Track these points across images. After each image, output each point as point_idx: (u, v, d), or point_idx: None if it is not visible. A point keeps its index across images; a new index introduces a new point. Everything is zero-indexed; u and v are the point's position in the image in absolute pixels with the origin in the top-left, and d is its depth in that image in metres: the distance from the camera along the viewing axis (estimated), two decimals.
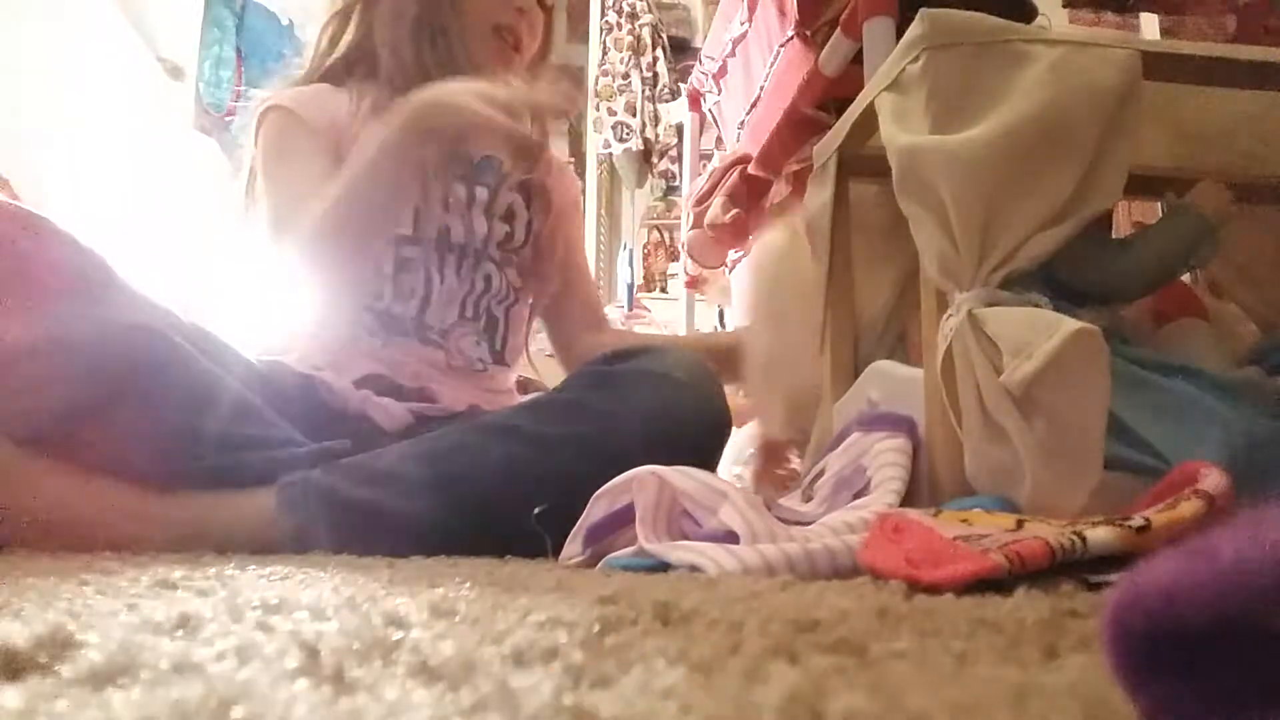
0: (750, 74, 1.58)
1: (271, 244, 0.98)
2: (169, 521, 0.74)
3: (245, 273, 1.18)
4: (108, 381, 0.73)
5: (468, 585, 0.47)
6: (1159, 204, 0.91)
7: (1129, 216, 1.62)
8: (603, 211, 3.50)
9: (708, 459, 0.79)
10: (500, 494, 0.77)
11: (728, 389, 0.92)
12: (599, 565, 0.64)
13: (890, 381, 0.79)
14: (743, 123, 1.61)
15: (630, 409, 0.80)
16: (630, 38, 3.15)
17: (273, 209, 0.99)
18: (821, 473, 0.75)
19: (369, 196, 0.93)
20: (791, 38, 1.32)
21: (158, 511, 0.75)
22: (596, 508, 0.67)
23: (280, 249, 0.96)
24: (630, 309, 2.80)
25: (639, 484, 0.64)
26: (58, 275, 0.73)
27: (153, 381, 0.75)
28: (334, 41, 1.09)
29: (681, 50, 3.29)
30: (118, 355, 0.73)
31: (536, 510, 0.72)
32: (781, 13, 1.37)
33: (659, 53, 3.20)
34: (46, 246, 0.74)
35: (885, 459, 0.68)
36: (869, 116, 0.78)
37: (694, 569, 0.54)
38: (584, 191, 3.47)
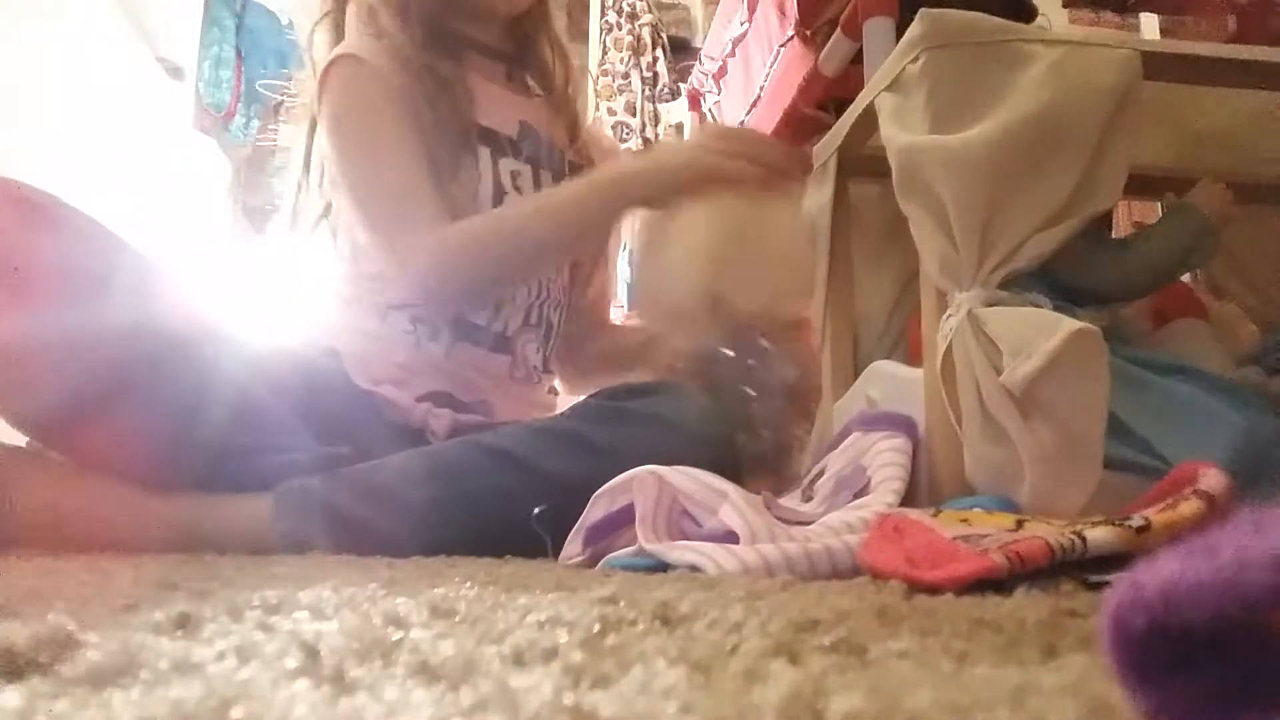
0: (750, 74, 1.58)
1: (383, 241, 0.93)
2: (166, 523, 0.74)
3: (286, 260, 1.14)
4: (104, 382, 0.72)
5: (468, 585, 0.47)
6: (1159, 204, 0.91)
7: (1129, 216, 1.62)
8: None
9: None
10: (493, 520, 0.76)
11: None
12: (599, 565, 0.64)
13: (890, 381, 0.79)
14: (743, 123, 1.61)
15: (633, 451, 0.78)
16: (630, 38, 3.15)
17: (378, 197, 0.94)
18: (821, 473, 0.75)
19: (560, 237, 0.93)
20: (791, 38, 1.32)
21: (155, 513, 0.75)
22: (596, 508, 0.67)
23: (401, 253, 0.92)
24: (630, 309, 2.80)
25: (639, 484, 0.64)
26: (56, 270, 0.71)
27: (151, 383, 0.74)
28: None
29: (681, 50, 3.29)
30: (115, 357, 0.73)
31: (536, 510, 0.72)
32: (781, 13, 1.37)
33: (659, 53, 3.20)
34: (46, 238, 0.72)
35: (885, 459, 0.68)
36: (869, 116, 0.78)
37: (694, 569, 0.54)
38: None
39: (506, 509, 0.76)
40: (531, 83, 1.13)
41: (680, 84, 2.84)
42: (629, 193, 0.91)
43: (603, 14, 3.20)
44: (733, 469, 0.88)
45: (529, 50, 1.12)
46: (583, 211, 0.93)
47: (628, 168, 0.94)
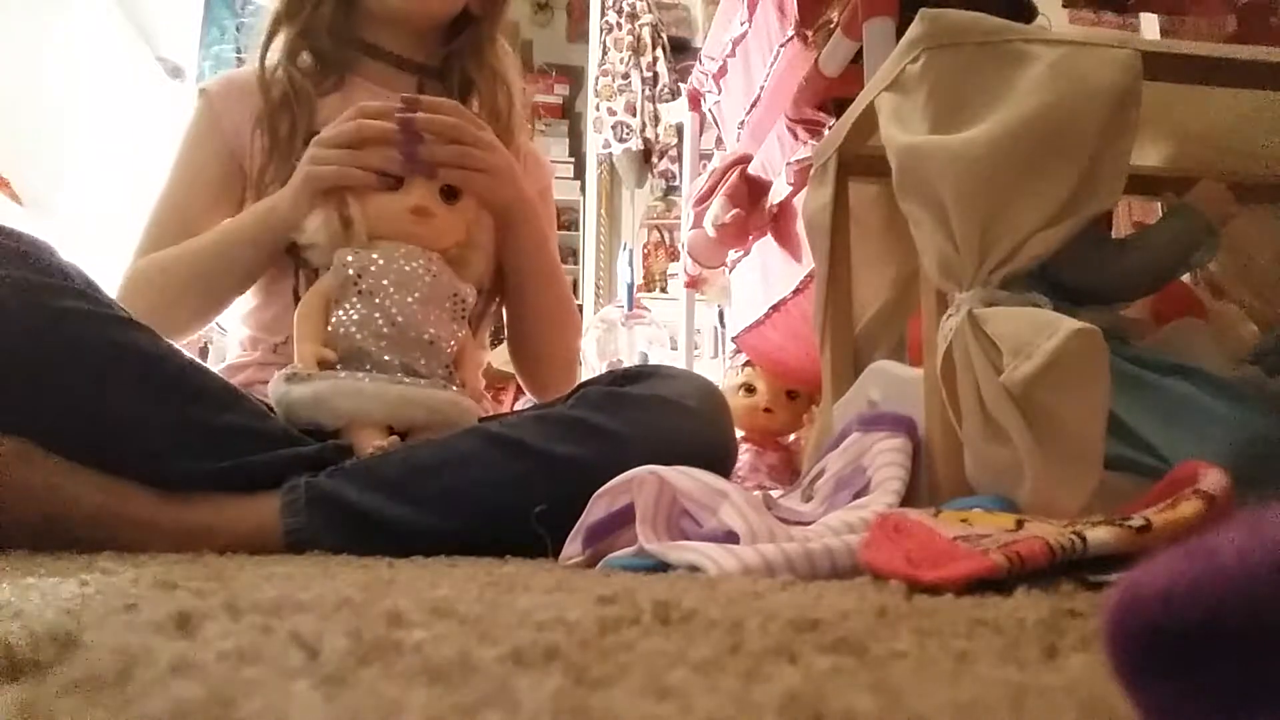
0: (750, 74, 1.58)
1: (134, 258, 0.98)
2: (172, 523, 0.74)
3: None
4: (93, 370, 0.72)
5: (468, 585, 0.47)
6: (1159, 204, 0.91)
7: (1129, 216, 1.62)
8: (603, 211, 3.50)
9: None
10: (506, 509, 0.76)
11: None
12: (599, 565, 0.64)
13: (890, 381, 0.79)
14: (743, 123, 1.61)
15: (641, 433, 0.79)
16: (630, 38, 3.16)
17: (148, 218, 0.99)
18: (821, 473, 0.75)
19: (216, 267, 0.94)
20: (791, 38, 1.32)
21: (161, 513, 0.74)
22: (596, 507, 0.67)
23: (129, 271, 0.96)
24: (630, 309, 2.80)
25: (639, 484, 0.64)
26: (39, 271, 0.74)
27: (143, 374, 0.74)
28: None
29: (681, 50, 3.29)
30: (103, 343, 0.73)
31: (537, 510, 0.72)
32: (781, 13, 1.37)
33: (659, 53, 3.21)
34: (30, 250, 0.75)
35: (885, 459, 0.68)
36: (869, 116, 0.78)
37: (694, 569, 0.54)
38: (584, 191, 3.47)
39: (519, 495, 0.76)
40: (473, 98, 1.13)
41: (680, 84, 2.84)
42: (266, 220, 0.93)
43: (603, 14, 3.20)
44: (729, 446, 0.89)
45: (451, 68, 1.11)
46: (232, 244, 0.95)
47: (269, 200, 0.95)
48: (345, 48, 1.06)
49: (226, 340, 1.07)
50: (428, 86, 1.11)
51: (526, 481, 0.77)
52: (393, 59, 1.09)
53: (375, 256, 0.87)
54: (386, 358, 0.85)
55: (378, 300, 0.86)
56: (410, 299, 0.87)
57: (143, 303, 0.92)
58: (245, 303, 1.02)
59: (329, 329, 0.86)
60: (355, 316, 0.86)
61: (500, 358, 1.18)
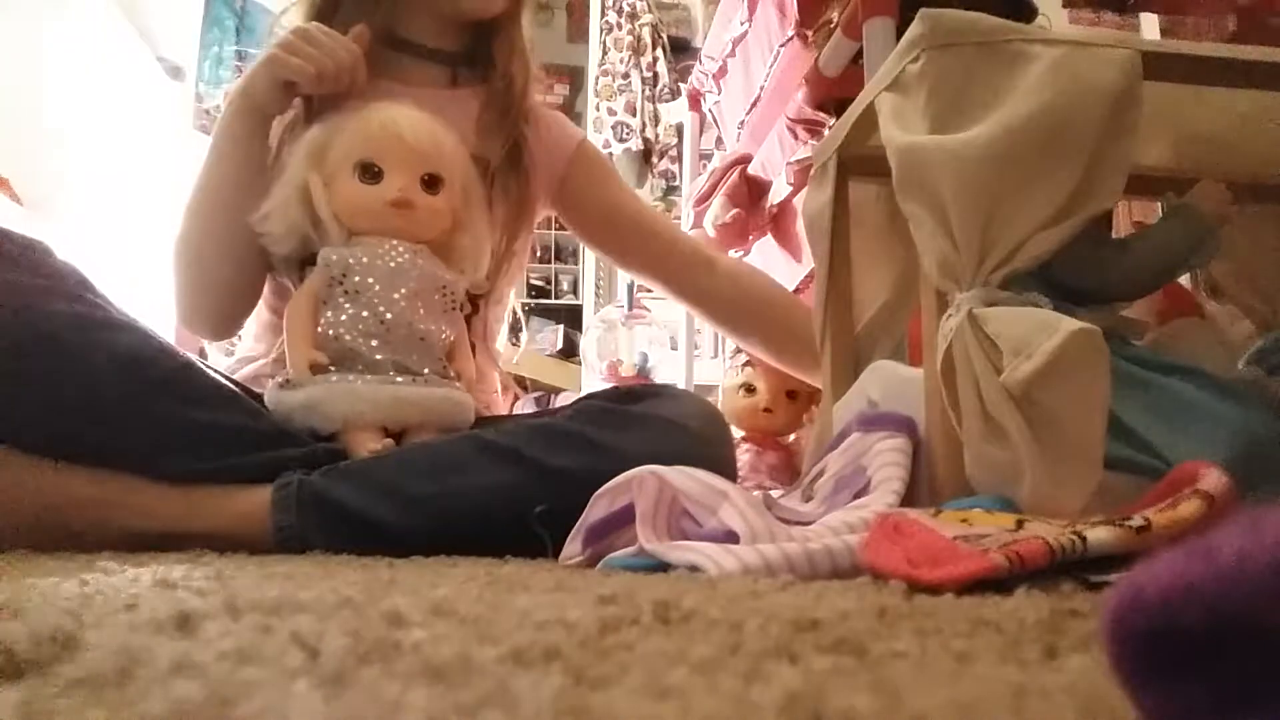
0: (750, 74, 1.58)
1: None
2: (166, 510, 0.74)
3: None
4: (81, 373, 0.73)
5: (468, 585, 0.47)
6: (1159, 204, 0.91)
7: (1129, 216, 1.61)
8: None
9: None
10: (497, 516, 0.76)
11: None
12: (599, 565, 0.64)
13: (890, 381, 0.79)
14: (743, 123, 1.61)
15: (641, 450, 0.78)
16: (630, 38, 3.16)
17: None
18: (821, 473, 0.75)
19: (214, 176, 0.95)
20: (791, 38, 1.32)
21: (154, 500, 0.75)
22: (596, 508, 0.67)
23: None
24: (630, 309, 2.80)
25: (639, 484, 0.64)
26: (29, 273, 0.75)
27: (132, 376, 0.74)
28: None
29: (681, 50, 3.30)
30: (90, 346, 0.74)
31: (537, 510, 0.72)
32: (781, 13, 1.37)
33: (659, 53, 3.21)
34: (23, 253, 0.76)
35: (885, 459, 0.68)
36: (869, 116, 0.78)
37: (694, 569, 0.54)
38: None
39: (511, 504, 0.76)
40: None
41: (680, 84, 2.84)
42: (235, 106, 0.95)
43: (603, 14, 3.20)
44: (729, 470, 0.89)
45: (481, 50, 1.11)
46: (215, 148, 0.96)
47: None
48: (379, 45, 1.04)
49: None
50: (460, 75, 1.11)
51: (519, 490, 0.77)
52: (425, 52, 1.09)
53: (359, 254, 0.86)
54: (378, 357, 0.84)
55: (365, 300, 0.85)
56: (397, 295, 0.86)
57: (184, 259, 0.96)
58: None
59: (318, 331, 0.85)
60: (343, 317, 0.85)
61: (500, 358, 1.18)
